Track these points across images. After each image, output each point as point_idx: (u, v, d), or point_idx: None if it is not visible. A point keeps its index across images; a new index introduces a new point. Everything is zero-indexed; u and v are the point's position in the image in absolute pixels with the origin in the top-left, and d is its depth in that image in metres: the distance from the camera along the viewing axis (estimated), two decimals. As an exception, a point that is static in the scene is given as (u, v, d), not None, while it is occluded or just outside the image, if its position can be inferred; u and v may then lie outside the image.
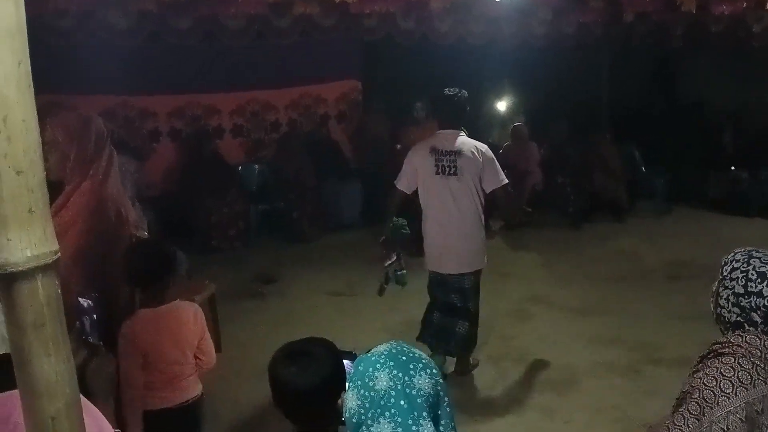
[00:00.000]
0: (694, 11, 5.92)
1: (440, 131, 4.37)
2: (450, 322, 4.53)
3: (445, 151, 4.26)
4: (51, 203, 2.75)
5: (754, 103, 9.32)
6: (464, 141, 4.32)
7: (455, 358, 4.67)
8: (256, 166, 8.58)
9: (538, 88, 9.79)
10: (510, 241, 7.95)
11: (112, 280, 2.86)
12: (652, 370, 4.66)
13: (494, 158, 4.35)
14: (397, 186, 4.44)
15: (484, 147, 4.35)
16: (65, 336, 1.10)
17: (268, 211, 8.13)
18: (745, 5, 6.01)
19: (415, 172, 4.36)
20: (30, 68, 1.00)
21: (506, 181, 4.37)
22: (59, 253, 1.04)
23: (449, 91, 4.37)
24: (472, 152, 4.26)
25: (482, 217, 4.42)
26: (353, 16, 6.67)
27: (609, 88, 10.18)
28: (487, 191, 4.34)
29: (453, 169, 4.24)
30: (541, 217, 8.58)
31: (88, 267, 2.78)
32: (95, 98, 7.22)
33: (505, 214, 4.55)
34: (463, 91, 4.39)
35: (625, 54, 9.76)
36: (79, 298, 2.60)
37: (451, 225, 4.31)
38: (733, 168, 8.85)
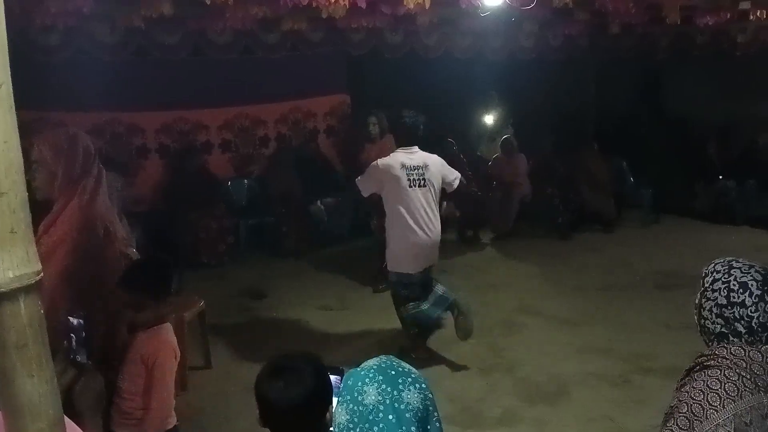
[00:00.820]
0: (679, 23, 6.00)
1: (403, 148, 4.96)
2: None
3: (413, 166, 4.86)
4: (39, 222, 2.77)
5: (740, 114, 9.39)
6: (425, 156, 4.96)
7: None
8: (245, 180, 8.56)
9: (526, 100, 9.84)
10: (499, 252, 7.97)
11: (101, 299, 2.84)
12: (643, 379, 4.67)
13: (444, 161, 5.13)
14: (366, 196, 5.15)
15: (437, 157, 5.07)
16: (48, 356, 1.10)
17: (257, 226, 8.11)
18: (729, 16, 6.09)
19: (381, 184, 4.93)
20: (11, 89, 1.00)
21: (459, 174, 5.15)
22: (42, 274, 1.04)
23: (408, 113, 5.03)
24: (434, 164, 4.97)
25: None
26: (341, 31, 6.71)
27: (596, 100, 10.26)
28: (455, 187, 5.07)
29: (423, 181, 4.86)
30: (530, 228, 8.61)
31: (77, 286, 2.76)
32: (82, 115, 7.21)
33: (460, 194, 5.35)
34: (419, 114, 5.05)
35: (611, 66, 9.84)
36: (69, 317, 2.58)
37: (426, 228, 4.89)
38: (720, 178, 8.92)
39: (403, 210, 4.85)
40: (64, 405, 1.12)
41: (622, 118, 10.22)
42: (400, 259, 4.96)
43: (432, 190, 4.92)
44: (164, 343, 2.87)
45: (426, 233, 4.89)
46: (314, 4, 4.68)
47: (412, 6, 4.79)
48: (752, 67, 8.73)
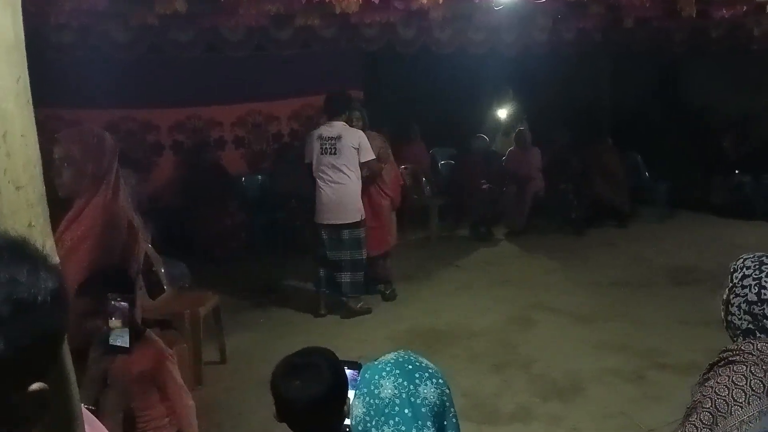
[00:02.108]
0: (695, 16, 5.93)
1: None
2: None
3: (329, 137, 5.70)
4: (59, 218, 2.80)
5: (756, 108, 9.32)
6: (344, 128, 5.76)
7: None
8: (259, 177, 8.59)
9: (540, 95, 9.81)
10: (513, 247, 7.94)
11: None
12: (658, 375, 4.63)
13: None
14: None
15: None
16: (66, 351, 1.10)
17: (270, 222, 8.13)
18: (745, 9, 6.03)
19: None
20: (29, 83, 1.00)
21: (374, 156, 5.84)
22: (60, 268, 1.04)
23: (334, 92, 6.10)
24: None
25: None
26: (354, 27, 6.70)
27: (611, 94, 10.19)
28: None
29: (333, 150, 5.68)
30: (544, 223, 8.57)
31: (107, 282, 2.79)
32: (96, 112, 7.25)
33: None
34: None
35: (626, 60, 9.78)
36: (113, 301, 2.59)
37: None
38: (736, 172, 8.84)
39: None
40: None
41: (637, 112, 10.16)
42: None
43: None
44: (156, 352, 2.84)
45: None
46: (327, 0, 4.67)
47: (425, 1, 4.78)
48: (768, 61, 8.64)
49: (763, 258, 1.82)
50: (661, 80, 10.63)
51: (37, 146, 1.02)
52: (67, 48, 6.12)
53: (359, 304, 5.98)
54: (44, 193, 1.03)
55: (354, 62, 9.02)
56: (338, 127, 5.74)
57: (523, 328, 5.59)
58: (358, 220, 5.76)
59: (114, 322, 2.59)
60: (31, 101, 1.01)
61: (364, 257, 5.86)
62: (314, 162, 5.78)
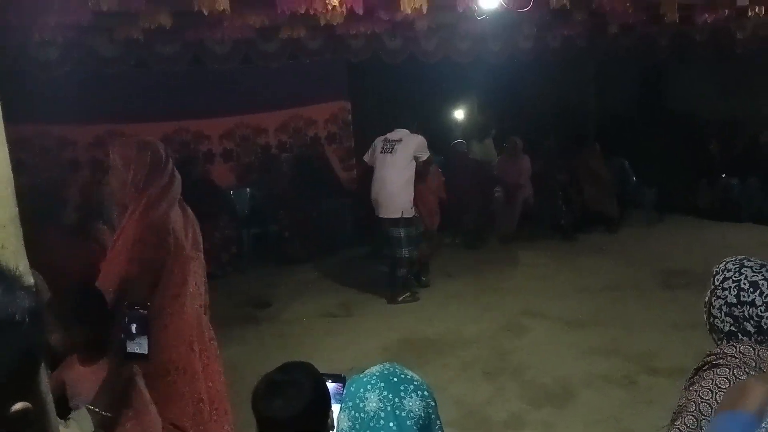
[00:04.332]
0: (678, 21, 5.98)
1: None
2: None
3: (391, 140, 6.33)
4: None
5: (742, 111, 9.39)
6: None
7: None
8: (248, 189, 8.57)
9: (527, 102, 9.86)
10: (504, 254, 7.95)
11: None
12: (649, 380, 4.64)
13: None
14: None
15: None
16: (43, 375, 1.09)
17: (260, 235, 8.11)
18: (726, 13, 6.08)
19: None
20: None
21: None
22: (34, 290, 1.03)
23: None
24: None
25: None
26: (340, 38, 6.72)
27: (596, 100, 10.23)
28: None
29: (392, 149, 6.26)
30: (533, 230, 8.59)
31: (133, 297, 2.80)
32: (84, 127, 7.24)
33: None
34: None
35: (611, 65, 9.84)
36: (130, 309, 2.58)
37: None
38: (723, 176, 8.89)
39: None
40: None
41: (624, 117, 10.22)
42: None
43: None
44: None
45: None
46: (312, 12, 4.68)
47: (409, 11, 4.79)
48: (752, 63, 8.71)
49: (744, 261, 1.84)
50: (647, 85, 10.70)
51: (9, 166, 1.01)
52: (52, 63, 6.10)
53: (404, 295, 6.47)
54: (17, 214, 1.01)
55: (341, 73, 9.04)
56: (402, 132, 6.39)
57: (514, 335, 5.59)
58: (398, 216, 6.19)
59: (132, 330, 2.58)
60: (1, 122, 1.00)
61: (405, 256, 6.32)
62: (375, 161, 6.38)
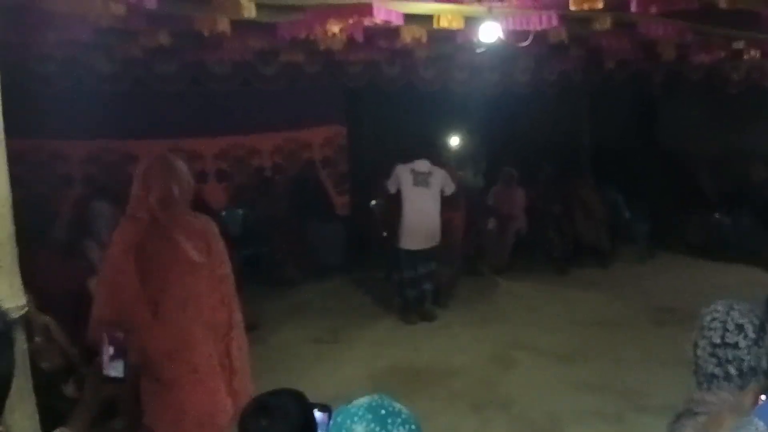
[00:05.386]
0: (673, 60, 6.05)
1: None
2: None
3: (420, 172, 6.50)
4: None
5: (734, 149, 9.46)
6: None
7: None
8: (240, 210, 8.54)
9: (521, 133, 9.91)
10: (495, 285, 7.93)
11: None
12: (637, 417, 4.61)
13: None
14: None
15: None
16: (30, 392, 1.07)
17: (251, 256, 8.06)
18: (723, 55, 6.15)
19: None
20: (2, 126, 0.98)
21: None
22: (26, 308, 1.01)
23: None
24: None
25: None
26: (338, 64, 6.75)
27: (591, 134, 10.30)
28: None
29: (426, 183, 6.48)
30: (526, 261, 8.58)
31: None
32: (78, 143, 7.23)
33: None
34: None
35: (606, 100, 9.92)
36: (109, 330, 2.57)
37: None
38: (716, 216, 8.91)
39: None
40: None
41: (617, 151, 10.27)
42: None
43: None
44: None
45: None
46: (312, 38, 4.71)
47: (408, 40, 4.83)
48: (745, 102, 8.81)
49: (734, 304, 1.87)
50: (641, 120, 10.78)
51: (8, 185, 0.99)
52: (51, 79, 6.11)
53: (431, 310, 6.76)
54: (13, 233, 1.00)
55: (337, 98, 9.08)
56: (427, 164, 6.56)
57: (503, 368, 5.55)
58: (435, 245, 6.54)
59: (109, 352, 2.54)
60: (3, 141, 0.99)
61: (434, 268, 6.67)
62: (406, 193, 6.49)
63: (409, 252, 6.50)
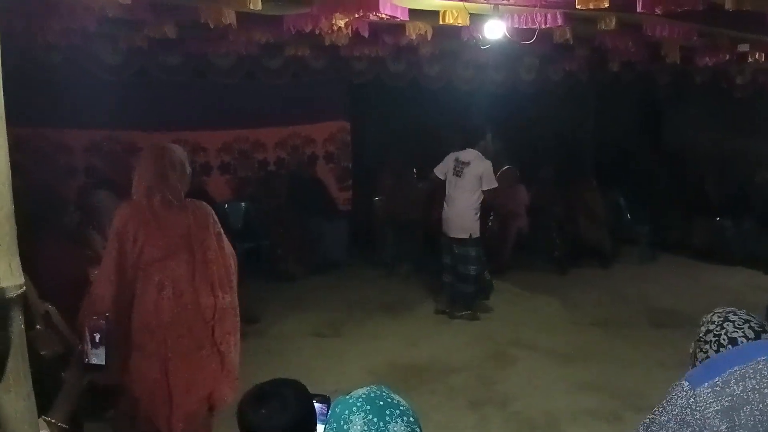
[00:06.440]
0: (679, 62, 6.05)
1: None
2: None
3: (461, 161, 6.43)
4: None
5: (738, 152, 9.45)
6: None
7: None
8: (243, 204, 8.55)
9: (525, 132, 9.89)
10: (495, 284, 7.92)
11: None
12: (635, 417, 4.59)
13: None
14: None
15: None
16: (27, 372, 1.07)
17: (253, 250, 8.07)
18: (728, 57, 6.15)
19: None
20: (2, 101, 0.98)
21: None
22: (24, 287, 1.02)
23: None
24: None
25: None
26: (343, 59, 6.76)
27: (595, 134, 10.28)
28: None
29: (461, 173, 6.39)
30: (527, 260, 8.58)
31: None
32: (81, 132, 7.23)
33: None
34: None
35: (611, 100, 9.90)
36: (93, 317, 2.57)
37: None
38: (718, 219, 8.90)
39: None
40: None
41: (621, 152, 10.26)
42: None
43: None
44: None
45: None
46: (317, 32, 4.72)
47: (414, 37, 4.84)
48: (750, 105, 8.79)
49: (729, 315, 1.86)
50: (645, 121, 10.77)
51: (7, 162, 1.00)
52: (55, 68, 6.11)
53: (463, 312, 6.61)
54: (12, 212, 1.00)
55: (342, 93, 9.07)
56: (472, 154, 6.42)
57: (501, 365, 5.56)
58: (467, 237, 6.35)
59: (96, 340, 2.53)
60: (3, 118, 0.99)
61: (472, 273, 6.46)
62: (447, 179, 6.51)
63: (445, 237, 6.53)
